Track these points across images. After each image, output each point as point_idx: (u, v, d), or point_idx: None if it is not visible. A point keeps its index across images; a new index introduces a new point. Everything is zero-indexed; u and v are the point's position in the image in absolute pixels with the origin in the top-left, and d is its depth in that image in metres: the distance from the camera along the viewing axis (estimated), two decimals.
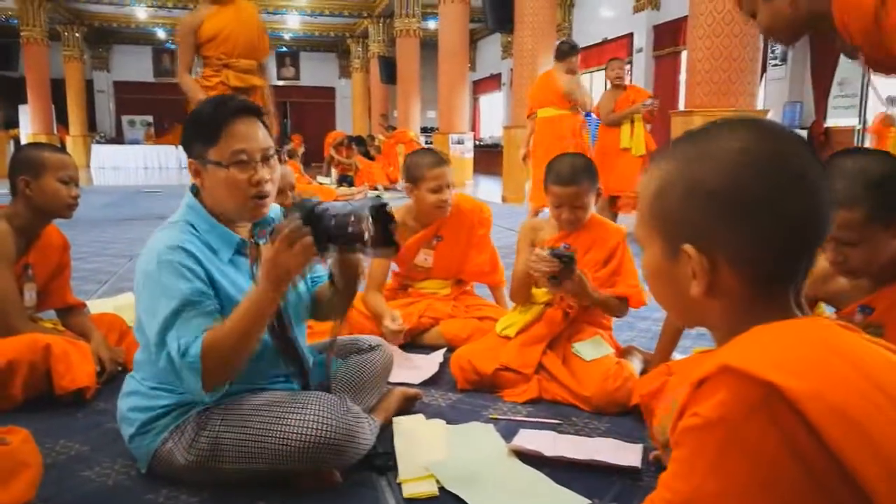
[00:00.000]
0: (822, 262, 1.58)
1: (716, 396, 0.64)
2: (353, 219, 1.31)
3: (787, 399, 0.60)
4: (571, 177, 2.10)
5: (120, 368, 2.19)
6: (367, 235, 1.30)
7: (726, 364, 0.64)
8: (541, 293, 2.24)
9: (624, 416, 1.92)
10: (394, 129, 12.60)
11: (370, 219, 1.31)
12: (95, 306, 2.79)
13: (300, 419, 1.43)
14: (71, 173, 2.13)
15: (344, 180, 11.03)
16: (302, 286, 1.65)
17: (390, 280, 2.77)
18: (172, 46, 20.46)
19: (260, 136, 1.50)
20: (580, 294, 2.03)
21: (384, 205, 1.34)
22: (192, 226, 1.49)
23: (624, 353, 2.23)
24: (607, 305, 2.14)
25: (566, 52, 5.57)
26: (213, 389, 1.38)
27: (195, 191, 1.56)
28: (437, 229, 2.64)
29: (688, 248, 0.73)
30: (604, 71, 13.24)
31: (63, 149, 2.28)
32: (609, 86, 5.79)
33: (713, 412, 0.63)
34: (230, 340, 1.34)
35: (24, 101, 15.11)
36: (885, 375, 0.64)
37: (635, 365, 2.12)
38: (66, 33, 17.08)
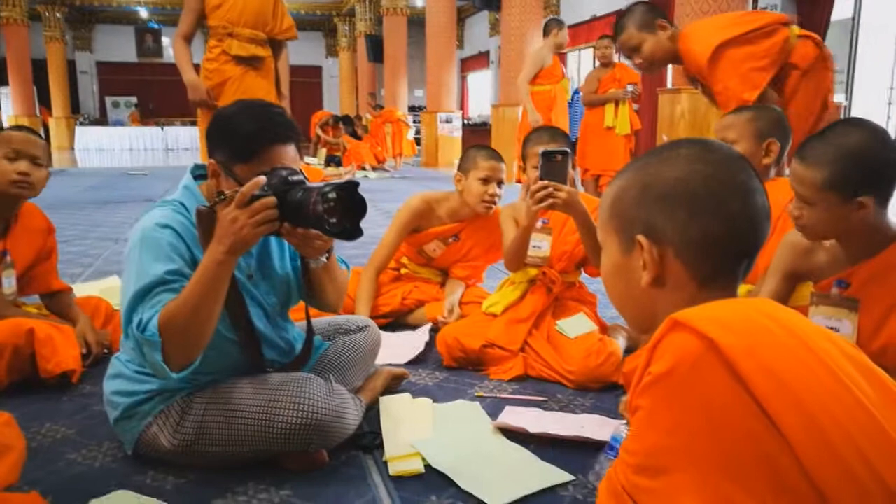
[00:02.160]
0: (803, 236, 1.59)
1: (666, 354, 0.70)
2: (315, 196, 1.25)
3: (723, 353, 0.66)
4: (553, 136, 2.23)
5: (106, 351, 2.19)
6: (326, 217, 1.25)
7: (673, 318, 0.71)
8: (524, 271, 2.25)
9: (608, 393, 1.94)
10: (381, 108, 12.50)
11: (334, 200, 1.26)
12: (81, 290, 2.77)
13: (286, 402, 1.43)
14: (17, 147, 2.00)
15: (332, 160, 10.96)
16: (288, 268, 1.64)
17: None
18: (156, 26, 20.17)
19: (290, 162, 1.42)
20: (573, 206, 1.96)
21: (355, 186, 1.30)
22: (185, 208, 1.47)
23: (609, 330, 2.25)
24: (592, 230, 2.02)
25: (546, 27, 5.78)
26: (180, 368, 1.32)
27: (196, 173, 1.53)
28: (460, 230, 2.61)
29: (640, 237, 0.81)
30: (592, 49, 13.25)
31: (30, 129, 2.19)
32: (597, 64, 5.76)
33: (663, 367, 0.69)
34: (186, 310, 1.27)
35: (5, 83, 14.90)
36: (814, 339, 0.70)
37: (620, 342, 2.14)
38: (46, 13, 16.79)
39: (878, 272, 1.45)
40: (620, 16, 2.55)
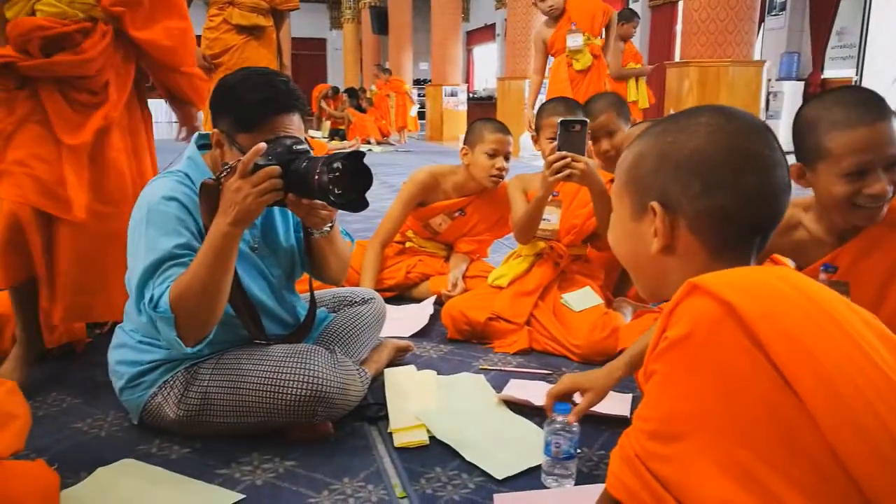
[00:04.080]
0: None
1: (683, 318, 0.69)
2: (320, 167, 1.23)
3: (742, 318, 0.65)
4: (568, 107, 2.24)
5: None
6: (331, 187, 1.24)
7: (692, 282, 0.70)
8: (531, 245, 2.24)
9: None
10: (389, 72, 12.21)
11: (340, 170, 1.24)
12: None
13: (291, 373, 1.43)
14: None
15: (335, 134, 10.91)
16: (293, 240, 1.63)
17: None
18: None
19: (294, 131, 1.40)
20: (590, 178, 1.93)
21: (360, 156, 1.28)
22: (190, 179, 1.45)
23: (616, 304, 2.25)
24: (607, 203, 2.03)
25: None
26: (195, 342, 1.33)
27: (200, 143, 1.52)
28: (466, 205, 2.59)
29: (654, 204, 0.81)
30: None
31: None
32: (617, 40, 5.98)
33: (680, 331, 0.68)
34: (195, 284, 1.27)
35: None
36: (831, 303, 0.70)
37: (626, 316, 2.14)
38: None
39: (865, 250, 1.39)
40: (595, 98, 2.47)
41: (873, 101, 1.28)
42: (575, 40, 4.42)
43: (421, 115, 12.59)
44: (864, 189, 1.28)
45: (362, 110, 11.42)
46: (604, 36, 4.61)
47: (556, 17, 4.46)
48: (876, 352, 0.65)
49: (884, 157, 1.26)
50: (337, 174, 1.25)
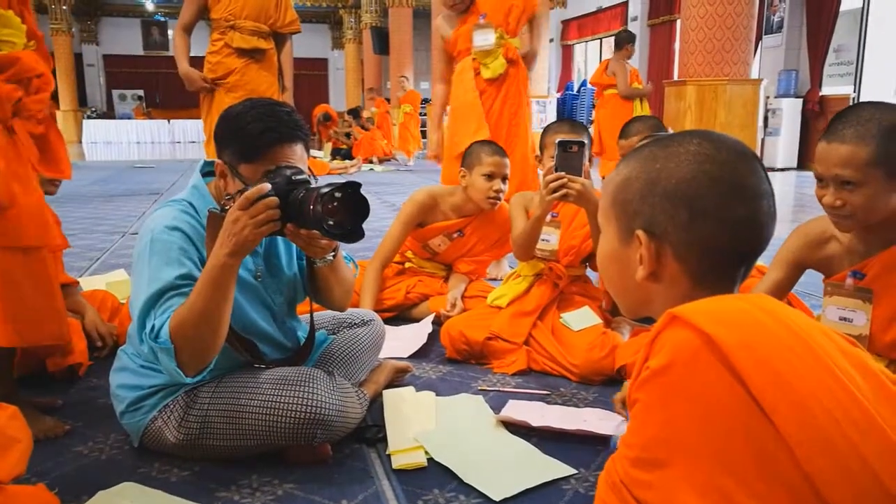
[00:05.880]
0: (816, 226, 1.58)
1: (663, 349, 0.70)
2: (315, 197, 1.24)
3: (720, 348, 0.66)
4: (573, 127, 2.32)
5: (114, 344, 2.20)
6: (325, 217, 1.24)
7: (671, 313, 0.71)
8: (531, 265, 2.25)
9: (611, 386, 1.94)
10: (406, 78, 12.17)
11: (336, 200, 1.25)
12: (87, 283, 2.79)
13: (290, 397, 1.43)
14: None
15: (337, 153, 10.96)
16: (295, 268, 1.64)
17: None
18: (161, 18, 20.17)
19: (297, 161, 1.41)
20: (586, 198, 1.95)
21: (357, 187, 1.29)
22: (194, 208, 1.47)
23: (614, 324, 2.25)
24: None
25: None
26: (195, 372, 1.33)
27: (205, 171, 1.53)
28: (465, 226, 2.61)
29: (640, 233, 0.81)
30: (599, 40, 13.33)
31: None
32: (618, 58, 6.34)
33: (661, 362, 0.69)
34: (194, 315, 1.28)
35: None
36: (807, 331, 0.70)
37: (624, 335, 2.15)
38: (52, 6, 16.79)
39: (894, 263, 1.43)
40: (635, 120, 2.55)
41: (845, 122, 1.37)
42: (484, 37, 3.17)
43: (422, 134, 12.64)
44: (822, 196, 1.42)
45: (364, 129, 11.49)
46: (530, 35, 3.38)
47: (462, 11, 3.28)
48: (851, 379, 0.66)
49: (830, 174, 1.39)
50: (332, 205, 1.25)
